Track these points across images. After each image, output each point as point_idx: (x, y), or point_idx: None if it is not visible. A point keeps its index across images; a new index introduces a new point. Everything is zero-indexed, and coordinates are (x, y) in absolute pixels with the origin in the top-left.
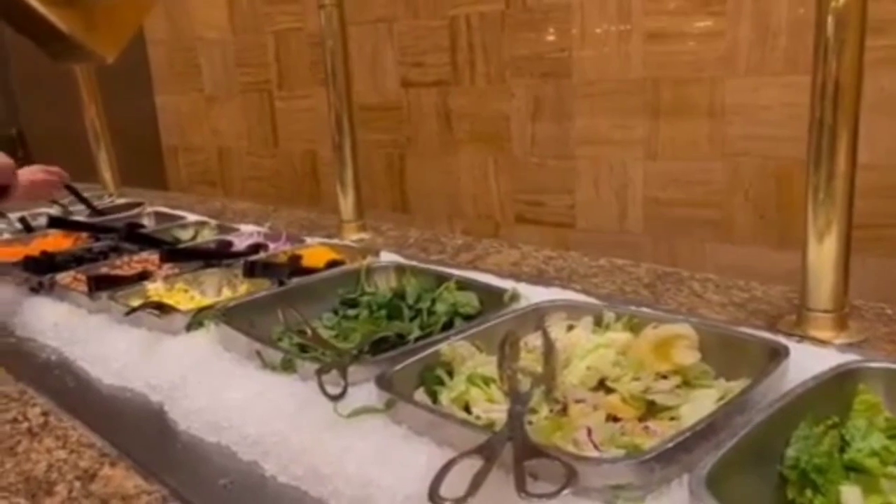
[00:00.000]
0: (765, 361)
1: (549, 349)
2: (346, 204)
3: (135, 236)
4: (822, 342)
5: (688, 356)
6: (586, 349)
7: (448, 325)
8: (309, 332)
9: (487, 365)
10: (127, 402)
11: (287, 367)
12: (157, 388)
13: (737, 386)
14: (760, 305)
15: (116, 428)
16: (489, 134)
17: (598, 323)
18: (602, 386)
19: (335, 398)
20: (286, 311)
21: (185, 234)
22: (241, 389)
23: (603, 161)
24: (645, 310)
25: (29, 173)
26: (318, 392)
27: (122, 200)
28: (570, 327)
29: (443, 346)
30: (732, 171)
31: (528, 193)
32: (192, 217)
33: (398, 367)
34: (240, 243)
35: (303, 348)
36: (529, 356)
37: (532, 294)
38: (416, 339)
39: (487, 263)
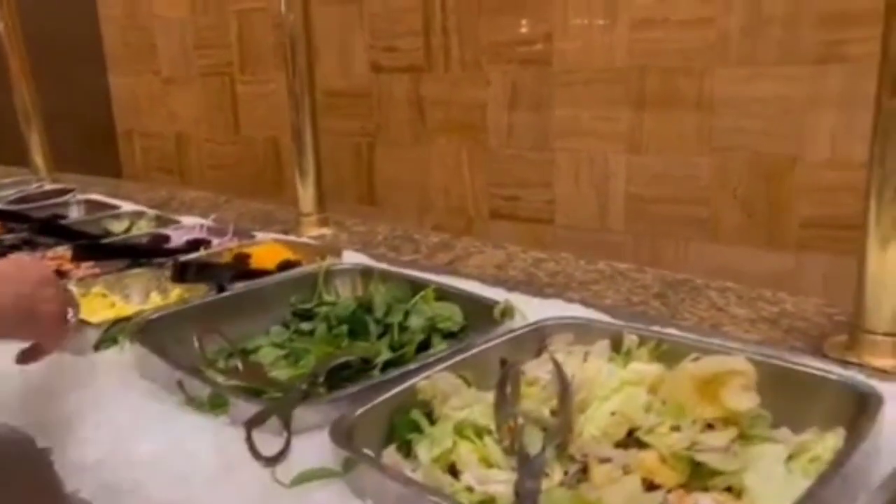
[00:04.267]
0: (844, 406)
1: (563, 389)
2: (306, 195)
3: (51, 228)
4: (883, 372)
5: (744, 400)
6: (609, 387)
7: (424, 345)
8: (240, 363)
9: (477, 404)
10: (3, 446)
11: (217, 404)
12: (46, 427)
13: (811, 441)
14: (795, 322)
15: None
16: (463, 123)
17: (616, 348)
18: (630, 438)
19: (272, 460)
20: (203, 336)
21: (117, 227)
22: (154, 436)
23: (583, 154)
24: (673, 332)
25: None
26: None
27: (53, 186)
28: (584, 355)
29: (420, 382)
30: (720, 166)
31: (503, 187)
32: (127, 206)
33: (361, 410)
34: (177, 238)
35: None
36: (531, 391)
37: (526, 307)
38: (386, 365)
39: (468, 266)
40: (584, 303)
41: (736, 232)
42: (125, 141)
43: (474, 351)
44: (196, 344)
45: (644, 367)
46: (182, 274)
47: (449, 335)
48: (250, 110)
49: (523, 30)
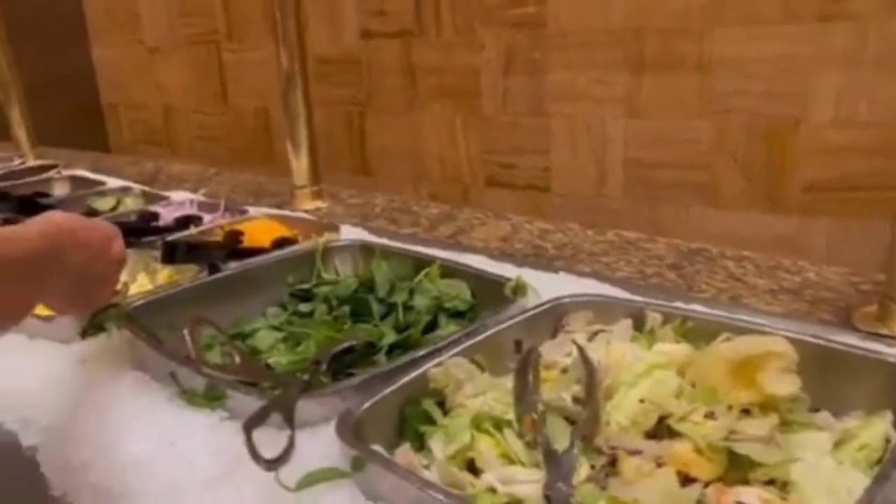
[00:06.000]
0: (892, 388)
1: (590, 376)
2: (300, 166)
3: (32, 206)
4: None
5: (784, 384)
6: (636, 372)
7: (431, 326)
8: (236, 355)
9: (492, 391)
10: None
11: (213, 397)
12: (32, 424)
13: (857, 427)
14: (820, 292)
15: None
16: (457, 90)
17: (638, 327)
18: (661, 426)
19: (274, 463)
20: (195, 328)
21: (103, 204)
22: (146, 433)
23: (580, 119)
24: (697, 308)
25: None
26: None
27: (36, 163)
28: (595, 334)
29: (431, 369)
30: (720, 129)
31: (499, 154)
32: (114, 182)
33: (369, 402)
34: (167, 215)
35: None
36: (549, 376)
37: (537, 283)
38: (391, 348)
39: (472, 238)
40: (598, 276)
41: (736, 196)
42: (111, 114)
43: (488, 333)
44: (187, 337)
45: (671, 348)
46: (171, 255)
47: (456, 314)
48: (238, 80)
49: None
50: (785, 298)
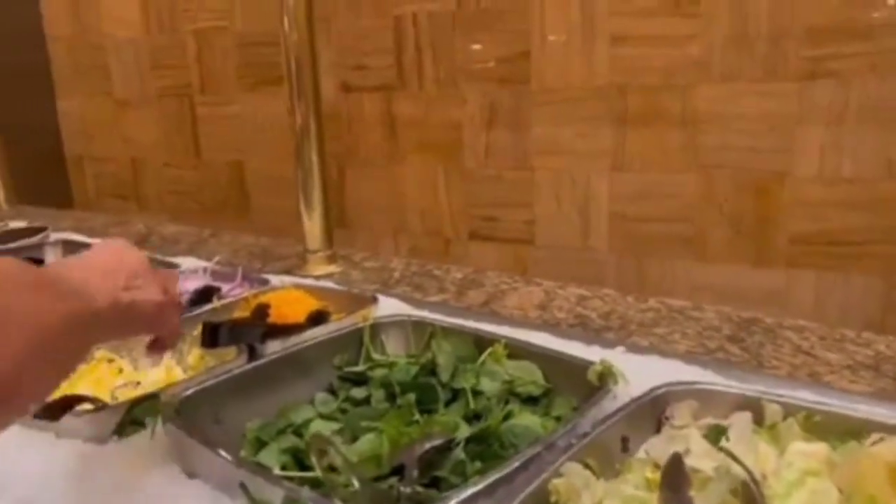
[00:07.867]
0: None
1: (755, 489)
2: (313, 229)
3: None
4: None
5: None
6: (789, 481)
7: (506, 415)
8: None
9: (609, 498)
10: None
11: None
12: None
13: None
14: None
15: None
16: (439, 143)
17: (758, 421)
18: None
19: None
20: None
21: None
22: None
23: (564, 173)
24: (801, 395)
25: None
26: None
27: (19, 224)
28: (719, 431)
29: (554, 481)
30: (706, 183)
31: (482, 208)
32: None
33: None
34: (181, 285)
35: (299, 462)
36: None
37: (613, 362)
38: (467, 441)
39: (506, 306)
40: (660, 352)
41: (723, 250)
42: (75, 167)
43: (596, 432)
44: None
45: (812, 449)
46: (214, 339)
47: (528, 400)
48: (212, 133)
49: (500, 48)
50: (866, 375)
